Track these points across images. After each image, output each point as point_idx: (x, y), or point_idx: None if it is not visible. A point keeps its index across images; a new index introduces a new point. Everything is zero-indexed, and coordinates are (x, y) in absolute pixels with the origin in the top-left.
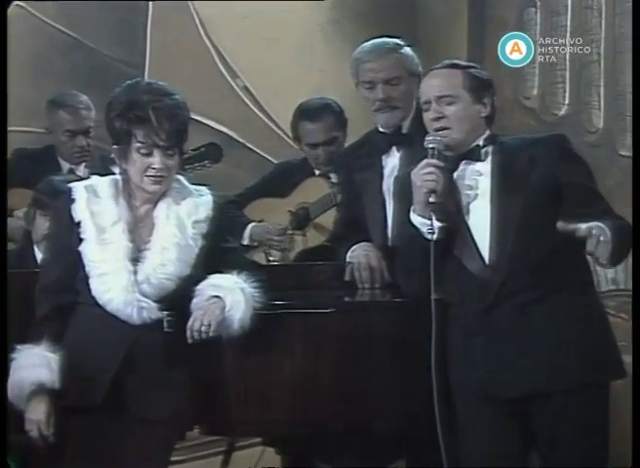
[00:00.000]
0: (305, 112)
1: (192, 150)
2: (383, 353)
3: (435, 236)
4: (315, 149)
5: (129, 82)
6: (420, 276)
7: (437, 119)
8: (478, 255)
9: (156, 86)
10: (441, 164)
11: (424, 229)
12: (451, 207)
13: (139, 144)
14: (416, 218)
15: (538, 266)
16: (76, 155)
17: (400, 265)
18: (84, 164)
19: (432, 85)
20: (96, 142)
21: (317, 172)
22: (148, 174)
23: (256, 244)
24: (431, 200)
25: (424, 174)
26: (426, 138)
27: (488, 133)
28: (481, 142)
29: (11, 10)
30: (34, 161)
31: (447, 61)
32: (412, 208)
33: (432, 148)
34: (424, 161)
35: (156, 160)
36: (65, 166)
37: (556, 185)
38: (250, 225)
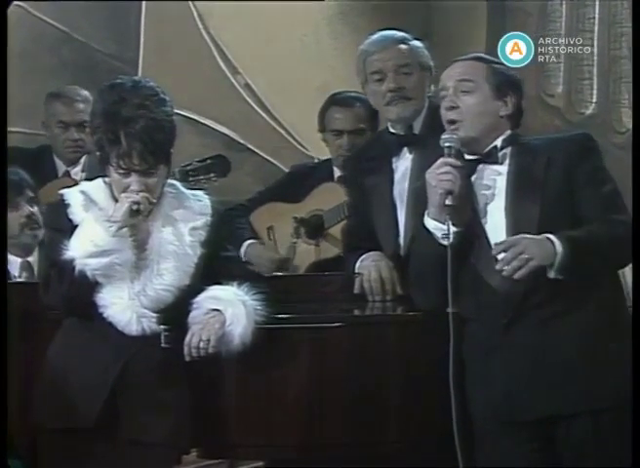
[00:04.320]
0: (337, 99)
1: (198, 161)
2: (395, 370)
3: (450, 241)
4: (339, 137)
5: (112, 82)
6: (434, 287)
7: (450, 109)
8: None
9: (139, 95)
10: (458, 163)
11: (439, 234)
12: (468, 211)
13: (114, 165)
14: (430, 222)
15: (559, 278)
16: (68, 150)
17: (413, 275)
18: (81, 166)
19: (453, 72)
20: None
21: (337, 174)
22: (127, 195)
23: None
24: (448, 202)
25: (440, 173)
26: (442, 137)
27: (508, 133)
28: (499, 143)
29: None
30: (29, 161)
31: (473, 54)
32: (426, 211)
33: (449, 147)
34: (440, 160)
35: (134, 180)
36: (62, 167)
37: (572, 189)
38: (245, 243)
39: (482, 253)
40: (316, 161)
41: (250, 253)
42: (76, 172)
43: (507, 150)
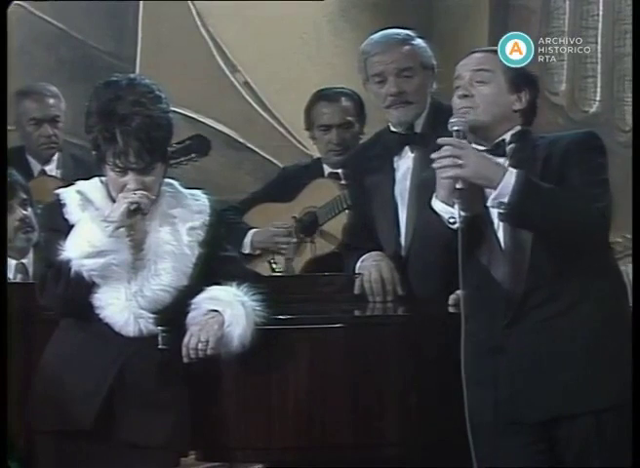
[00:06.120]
0: (323, 95)
1: (177, 144)
2: (396, 372)
3: (457, 225)
4: (328, 132)
5: (107, 80)
6: (435, 271)
7: (464, 97)
8: (501, 258)
9: (135, 92)
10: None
11: (446, 216)
12: (477, 197)
13: (110, 164)
14: (438, 205)
15: (559, 276)
16: (42, 146)
17: (414, 259)
18: (55, 163)
19: (470, 62)
20: (67, 138)
21: (327, 172)
22: (124, 195)
23: (258, 252)
24: (458, 186)
25: None
26: (450, 120)
27: (518, 128)
28: (508, 137)
29: None
30: None
31: (491, 47)
32: (434, 194)
33: (457, 131)
34: None
35: (130, 179)
36: (37, 166)
37: (566, 181)
38: (250, 232)
39: (491, 244)
40: (307, 161)
41: (257, 239)
42: (51, 169)
43: (514, 146)
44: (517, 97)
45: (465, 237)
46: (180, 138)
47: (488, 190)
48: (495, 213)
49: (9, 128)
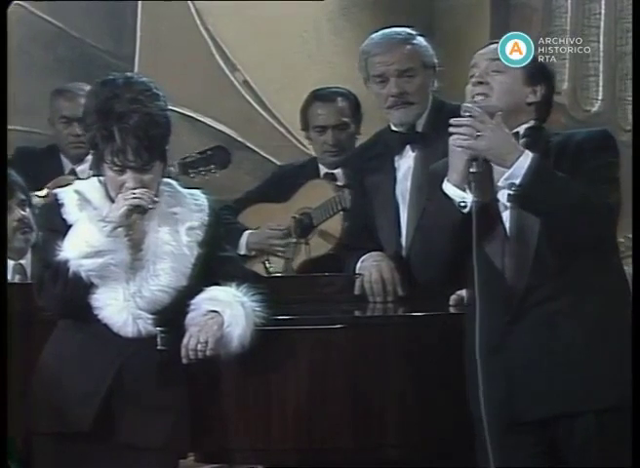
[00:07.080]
0: (318, 95)
1: (198, 153)
2: (397, 372)
3: (468, 209)
4: (323, 133)
5: (104, 79)
6: (440, 260)
7: (479, 84)
8: (507, 250)
9: (132, 90)
10: None
11: (457, 200)
12: (488, 183)
13: (108, 163)
14: (449, 188)
15: (562, 274)
16: (71, 145)
17: (420, 246)
18: (88, 163)
19: (488, 51)
20: None
21: (323, 172)
22: (122, 192)
23: (253, 253)
24: (472, 170)
25: None
26: (464, 105)
27: (532, 123)
28: (522, 131)
29: None
30: (35, 160)
31: None
32: (446, 178)
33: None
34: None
35: (129, 177)
36: (68, 166)
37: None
38: (245, 233)
39: (498, 236)
40: (303, 160)
41: (252, 241)
42: (83, 169)
43: (527, 139)
44: (532, 90)
45: (475, 225)
46: (191, 144)
47: (499, 173)
48: (503, 203)
49: (19, 128)
